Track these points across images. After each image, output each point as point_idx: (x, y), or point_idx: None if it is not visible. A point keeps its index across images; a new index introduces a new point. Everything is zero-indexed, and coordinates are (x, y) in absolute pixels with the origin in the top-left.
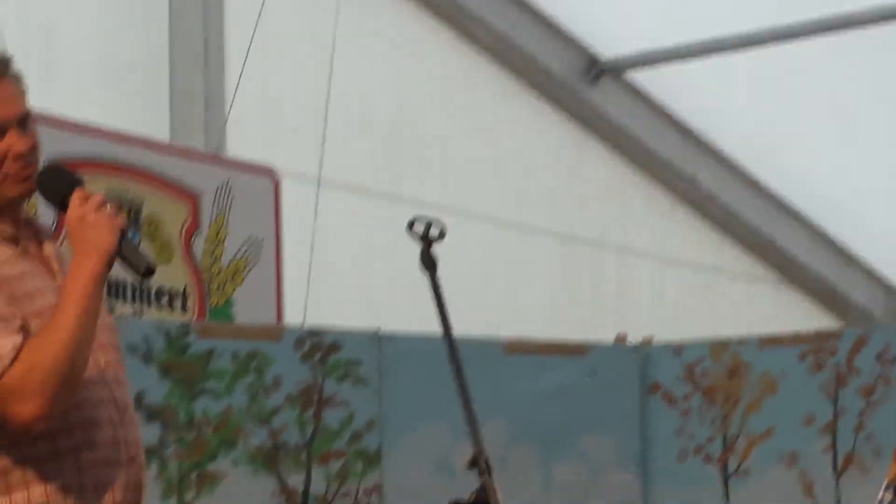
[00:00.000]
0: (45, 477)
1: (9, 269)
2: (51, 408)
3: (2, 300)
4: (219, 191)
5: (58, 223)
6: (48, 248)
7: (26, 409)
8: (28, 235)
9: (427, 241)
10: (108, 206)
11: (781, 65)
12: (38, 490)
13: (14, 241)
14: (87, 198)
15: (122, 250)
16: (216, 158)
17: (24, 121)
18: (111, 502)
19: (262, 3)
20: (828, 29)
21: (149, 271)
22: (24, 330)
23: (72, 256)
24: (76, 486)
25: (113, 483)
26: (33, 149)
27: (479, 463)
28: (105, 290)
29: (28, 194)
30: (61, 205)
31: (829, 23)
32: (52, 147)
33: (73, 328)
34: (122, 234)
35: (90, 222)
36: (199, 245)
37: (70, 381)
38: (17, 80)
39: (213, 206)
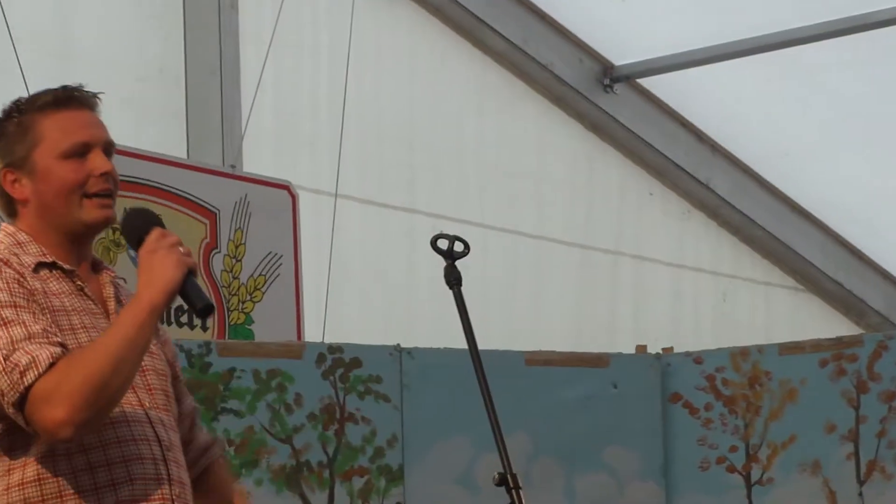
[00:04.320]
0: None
1: (58, 302)
2: (76, 417)
3: (46, 322)
4: (236, 207)
5: None
6: (108, 290)
7: (52, 414)
8: (88, 274)
9: (451, 258)
10: (182, 246)
11: (794, 69)
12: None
13: (71, 276)
14: (164, 236)
15: (185, 287)
16: (233, 174)
17: (108, 149)
18: None
19: (278, 16)
20: (841, 32)
21: (206, 310)
22: (63, 346)
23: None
24: None
25: None
26: (114, 175)
27: (507, 480)
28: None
29: (103, 224)
30: (139, 242)
31: (842, 26)
32: None
33: (114, 350)
34: (189, 273)
35: (160, 256)
36: (218, 262)
37: (100, 398)
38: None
39: (231, 222)
